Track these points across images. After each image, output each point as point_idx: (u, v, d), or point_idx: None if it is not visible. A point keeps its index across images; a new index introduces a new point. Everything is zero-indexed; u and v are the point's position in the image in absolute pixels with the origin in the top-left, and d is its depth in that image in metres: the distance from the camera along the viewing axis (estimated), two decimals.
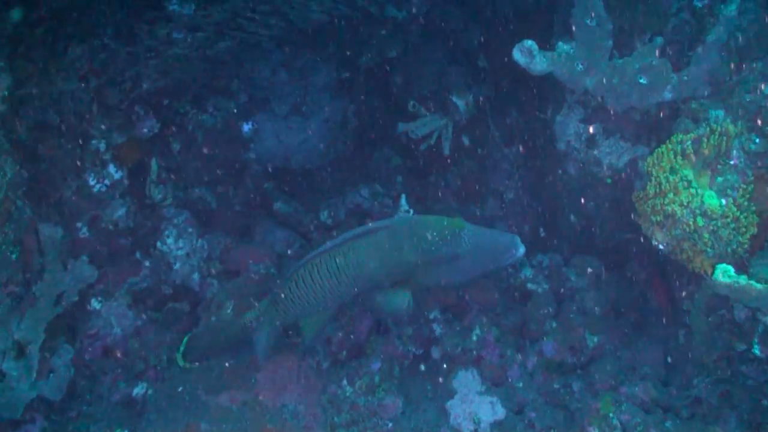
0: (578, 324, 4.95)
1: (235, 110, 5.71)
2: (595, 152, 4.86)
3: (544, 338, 4.96)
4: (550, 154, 5.38)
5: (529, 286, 5.41)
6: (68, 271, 4.44)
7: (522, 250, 4.10)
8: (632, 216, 4.77)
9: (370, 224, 4.07)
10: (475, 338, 4.94)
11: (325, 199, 5.86)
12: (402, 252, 4.02)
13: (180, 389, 4.35)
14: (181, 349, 4.34)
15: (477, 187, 5.94)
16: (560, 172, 5.41)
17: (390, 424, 4.65)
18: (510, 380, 4.89)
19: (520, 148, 5.84)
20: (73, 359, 4.45)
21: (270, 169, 5.89)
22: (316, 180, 6.09)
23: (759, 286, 3.27)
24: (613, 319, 5.05)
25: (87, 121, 4.70)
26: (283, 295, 4.13)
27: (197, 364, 4.37)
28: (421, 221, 4.01)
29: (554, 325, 5.05)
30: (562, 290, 5.29)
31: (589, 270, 5.25)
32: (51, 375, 4.31)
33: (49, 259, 4.34)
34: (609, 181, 4.94)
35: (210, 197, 5.44)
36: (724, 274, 3.39)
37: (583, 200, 5.37)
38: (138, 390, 4.55)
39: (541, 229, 5.89)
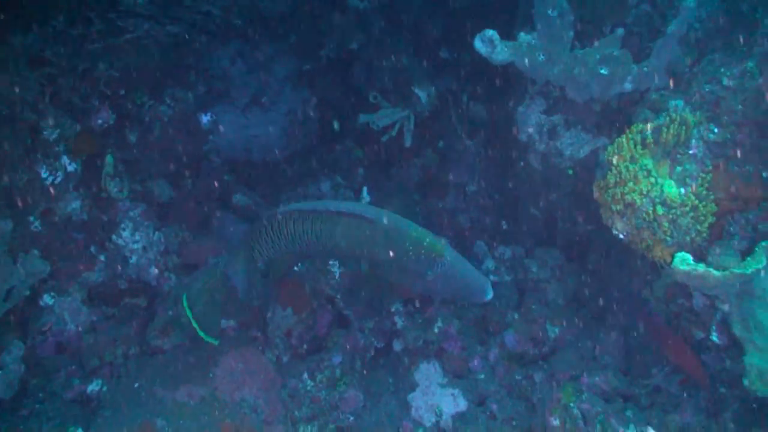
0: (540, 315, 4.95)
1: (194, 101, 5.60)
2: (557, 143, 4.84)
3: (506, 330, 4.95)
4: (511, 145, 5.36)
5: (492, 278, 5.40)
6: (18, 265, 4.31)
7: (490, 296, 4.07)
8: (593, 207, 4.80)
9: (364, 208, 4.03)
10: (437, 330, 4.92)
11: (286, 192, 5.79)
12: (375, 249, 4.00)
13: (136, 385, 4.25)
14: (188, 312, 4.26)
15: (439, 180, 5.91)
16: (522, 163, 5.40)
17: (351, 418, 4.61)
18: (472, 372, 4.88)
19: (482, 140, 5.81)
20: (25, 356, 4.32)
21: (229, 162, 5.81)
22: (277, 172, 6.02)
23: (717, 273, 3.27)
24: (574, 309, 5.05)
25: (38, 112, 4.57)
26: (263, 234, 4.12)
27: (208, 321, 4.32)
28: (405, 232, 3.95)
29: (516, 316, 5.05)
30: (524, 282, 5.29)
31: (551, 262, 5.25)
32: (0, 372, 4.18)
33: None
34: (570, 172, 4.94)
35: (167, 190, 5.32)
36: (683, 262, 3.40)
37: (544, 192, 5.38)
38: (93, 387, 4.44)
39: (503, 222, 5.89)
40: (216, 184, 5.55)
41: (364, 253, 4.09)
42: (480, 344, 5.01)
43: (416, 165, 6.00)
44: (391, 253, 4.00)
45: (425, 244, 3.90)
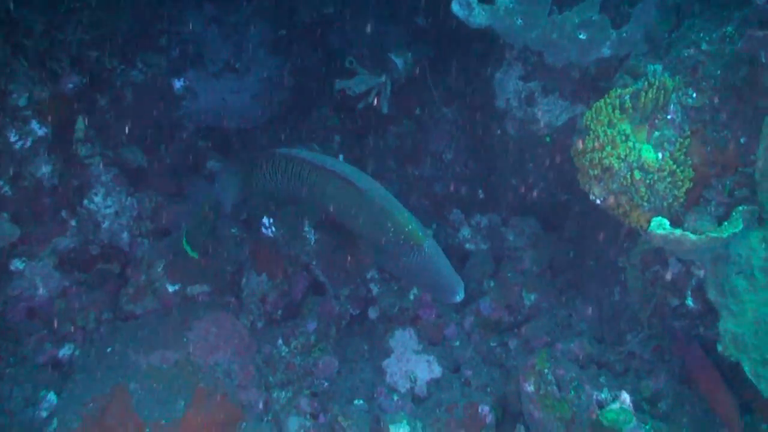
0: (515, 283, 4.96)
1: (166, 66, 5.51)
2: (534, 110, 4.83)
3: (482, 297, 4.95)
4: (489, 113, 5.34)
5: (468, 246, 5.41)
6: None
7: (460, 298, 4.12)
8: (570, 176, 4.80)
9: (360, 176, 4.06)
10: (412, 297, 4.90)
11: None
12: (358, 219, 4.04)
13: (109, 350, 4.18)
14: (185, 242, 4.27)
15: (415, 148, 5.87)
16: (499, 132, 5.38)
17: (326, 384, 4.60)
18: (447, 339, 4.88)
19: (460, 108, 5.78)
20: None
21: (203, 128, 5.72)
22: (251, 139, 5.95)
23: (693, 237, 3.28)
24: (550, 278, 5.07)
25: (6, 75, 4.45)
26: (260, 166, 4.23)
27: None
28: (389, 212, 3.94)
29: (492, 284, 5.05)
30: (500, 250, 5.28)
31: (527, 230, 5.25)
32: None
33: None
34: (548, 140, 4.93)
35: (140, 156, 5.22)
36: (660, 226, 3.40)
37: (521, 161, 5.37)
38: (65, 351, 4.39)
39: (480, 191, 5.88)
40: (190, 150, 5.47)
41: (346, 219, 4.12)
42: (455, 312, 5.01)
43: (392, 133, 5.96)
44: (371, 229, 3.99)
45: (407, 229, 3.89)
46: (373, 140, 5.97)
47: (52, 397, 4.12)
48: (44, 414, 4.06)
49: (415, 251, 3.95)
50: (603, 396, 3.34)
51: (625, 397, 3.23)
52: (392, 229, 3.94)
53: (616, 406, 3.20)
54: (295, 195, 4.21)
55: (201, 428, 3.95)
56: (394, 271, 4.29)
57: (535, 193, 5.39)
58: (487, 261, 5.23)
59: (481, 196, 5.84)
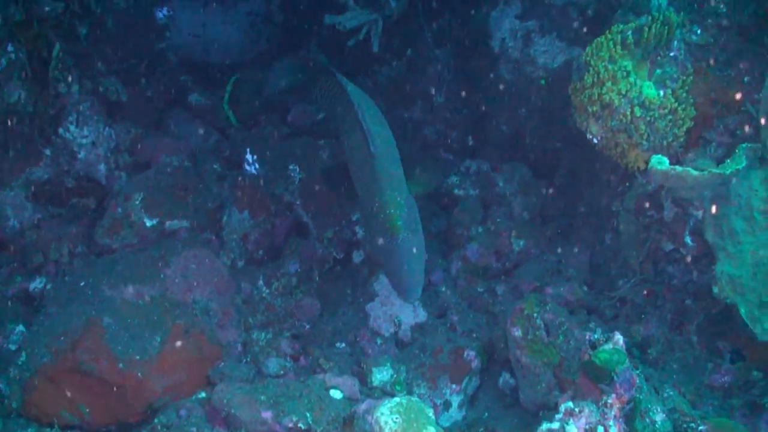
0: (505, 229, 4.83)
1: None
2: (530, 51, 4.68)
3: (469, 243, 4.83)
4: (483, 54, 5.18)
5: (456, 191, 5.26)
6: None
7: (412, 300, 4.11)
8: (563, 123, 4.66)
9: (380, 136, 3.97)
10: None
11: None
12: (358, 178, 4.04)
13: (82, 284, 4.03)
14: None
15: (406, 89, 5.70)
16: (492, 75, 5.23)
17: (307, 326, 4.48)
18: (433, 284, 4.76)
19: (452, 50, 5.60)
20: None
21: (186, 62, 5.52)
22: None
23: (695, 173, 3.16)
24: (539, 224, 4.95)
25: None
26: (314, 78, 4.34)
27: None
28: (382, 187, 3.82)
29: (480, 230, 4.92)
30: (489, 197, 5.15)
31: (518, 176, 5.12)
32: None
33: None
34: (543, 82, 4.80)
35: (119, 87, 5.03)
36: (660, 162, 3.27)
37: (514, 106, 5.22)
38: (36, 284, 4.24)
39: (470, 138, 5.73)
40: (172, 84, 5.27)
41: (352, 169, 4.08)
42: (442, 257, 4.89)
43: (383, 73, 5.77)
44: (363, 194, 3.94)
45: (389, 212, 3.77)
46: (362, 80, 5.78)
47: (21, 329, 3.98)
48: (12, 347, 3.91)
49: (388, 237, 3.81)
50: (596, 336, 3.22)
51: (619, 338, 3.13)
52: (377, 205, 3.81)
53: (609, 346, 3.09)
54: (329, 117, 4.27)
55: (177, 365, 3.83)
56: (367, 244, 4.16)
57: (526, 140, 5.26)
58: (476, 207, 5.09)
59: (471, 143, 5.70)
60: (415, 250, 3.83)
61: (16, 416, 3.57)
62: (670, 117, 3.49)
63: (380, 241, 3.83)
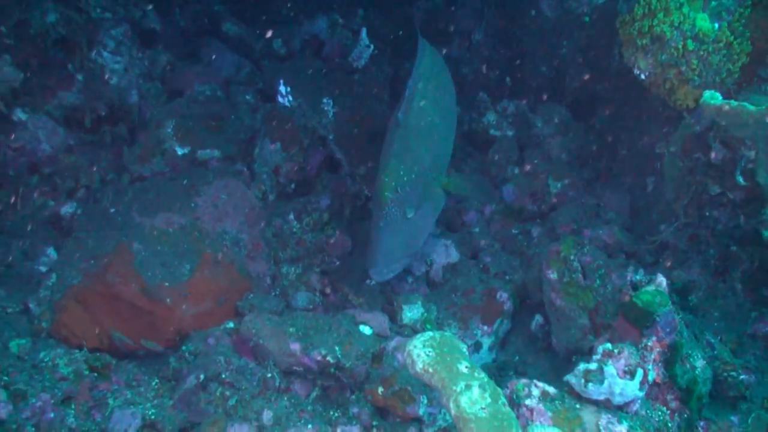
0: (542, 170, 4.72)
1: None
2: None
3: (505, 184, 4.72)
4: None
5: (492, 132, 5.14)
6: None
7: (371, 273, 3.91)
8: (605, 63, 4.50)
9: (420, 106, 3.96)
10: None
11: (278, 28, 5.41)
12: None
13: (113, 210, 3.99)
14: None
15: (443, 25, 5.54)
16: (534, 12, 5.07)
17: (337, 263, 4.41)
18: (466, 225, 4.67)
19: None
20: None
21: None
22: (270, 7, 5.60)
23: (752, 107, 2.99)
24: (578, 167, 4.82)
25: None
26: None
27: None
28: (388, 164, 3.78)
29: (516, 171, 4.81)
30: (526, 137, 5.02)
31: (556, 118, 4.98)
32: None
33: None
34: (587, 19, 4.62)
35: (152, 16, 4.93)
36: (713, 98, 3.12)
37: (555, 45, 5.07)
38: (66, 209, 4.20)
39: (508, 78, 5.58)
40: (205, 14, 5.16)
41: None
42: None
43: (420, 8, 5.62)
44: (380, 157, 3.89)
45: (383, 180, 3.74)
46: (398, 15, 5.63)
47: (52, 252, 3.97)
48: (43, 269, 3.91)
49: (375, 205, 3.75)
50: (637, 278, 3.12)
51: (662, 279, 3.02)
52: (380, 174, 3.77)
53: (651, 288, 2.98)
54: None
55: (206, 294, 3.79)
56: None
57: (566, 80, 5.10)
58: (513, 147, 4.98)
59: (509, 83, 5.55)
60: (399, 232, 3.77)
61: (45, 336, 3.55)
62: (724, 51, 3.33)
63: (371, 205, 3.77)
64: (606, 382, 2.73)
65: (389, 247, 3.79)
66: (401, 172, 3.75)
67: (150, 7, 4.89)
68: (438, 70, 4.24)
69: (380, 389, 3.29)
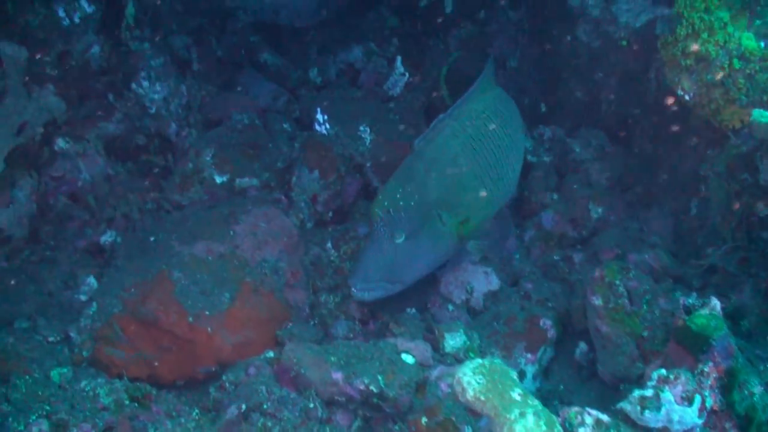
0: (581, 196, 4.65)
1: None
2: (612, 8, 4.48)
3: (544, 211, 4.66)
4: (560, 15, 4.99)
5: (529, 158, 5.09)
6: (32, 98, 4.02)
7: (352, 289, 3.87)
8: (643, 87, 4.46)
9: (441, 134, 3.92)
10: None
11: (315, 57, 5.45)
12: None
13: (152, 239, 3.99)
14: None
15: (478, 52, 5.54)
16: (569, 38, 5.04)
17: None
18: (506, 252, 4.60)
19: (527, 12, 5.43)
20: (36, 198, 4.09)
21: (256, 23, 5.45)
22: (306, 37, 5.66)
23: None
24: (618, 192, 4.75)
25: None
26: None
27: None
28: (386, 186, 3.83)
29: (555, 197, 4.75)
30: (564, 164, 4.97)
31: (594, 142, 4.93)
32: (11, 206, 3.94)
33: (10, 83, 3.91)
34: (624, 43, 4.58)
35: (191, 46, 4.99)
36: (762, 116, 3.06)
37: (591, 70, 5.03)
38: (106, 238, 4.23)
39: (542, 105, 5.55)
40: (242, 44, 5.22)
41: None
42: (515, 225, 4.73)
43: (455, 36, 5.62)
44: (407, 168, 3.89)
45: (378, 197, 3.75)
46: (433, 44, 5.64)
47: (92, 281, 3.98)
48: (83, 298, 3.91)
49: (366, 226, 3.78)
50: (690, 301, 3.04)
51: (716, 303, 2.94)
52: (381, 197, 3.78)
53: (705, 312, 2.90)
54: None
55: (246, 323, 3.75)
56: None
57: (603, 106, 5.06)
58: (551, 173, 4.93)
59: (543, 109, 5.52)
60: (382, 253, 3.75)
61: (86, 365, 3.54)
62: None
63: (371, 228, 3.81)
64: (663, 409, 2.64)
65: (368, 265, 3.78)
66: (397, 195, 3.72)
67: (188, 38, 4.95)
68: (502, 122, 4.20)
69: (424, 419, 3.21)
